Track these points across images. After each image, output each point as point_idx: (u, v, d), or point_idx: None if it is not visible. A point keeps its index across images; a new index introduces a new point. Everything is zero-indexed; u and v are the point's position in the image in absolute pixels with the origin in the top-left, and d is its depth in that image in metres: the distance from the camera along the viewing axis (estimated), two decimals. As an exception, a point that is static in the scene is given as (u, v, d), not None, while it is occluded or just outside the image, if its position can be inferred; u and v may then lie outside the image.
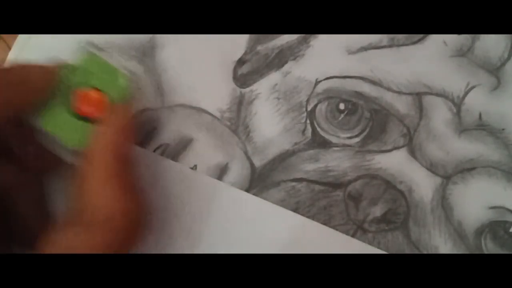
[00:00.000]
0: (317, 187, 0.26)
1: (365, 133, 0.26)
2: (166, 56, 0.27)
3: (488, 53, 0.26)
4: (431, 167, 0.26)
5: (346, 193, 0.26)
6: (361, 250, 0.26)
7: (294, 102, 0.27)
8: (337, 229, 0.26)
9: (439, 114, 0.26)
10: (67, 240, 0.20)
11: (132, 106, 0.22)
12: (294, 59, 0.27)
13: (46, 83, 0.21)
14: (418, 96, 0.27)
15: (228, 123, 0.27)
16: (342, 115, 0.26)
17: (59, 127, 0.21)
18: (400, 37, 0.27)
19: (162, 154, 0.26)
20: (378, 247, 0.26)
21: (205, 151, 0.27)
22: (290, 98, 0.27)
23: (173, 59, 0.27)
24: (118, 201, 0.21)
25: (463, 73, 0.26)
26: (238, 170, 0.27)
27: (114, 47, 0.27)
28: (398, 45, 0.27)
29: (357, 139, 0.26)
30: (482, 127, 0.26)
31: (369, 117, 0.26)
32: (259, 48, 0.27)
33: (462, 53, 0.27)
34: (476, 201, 0.26)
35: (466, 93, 0.26)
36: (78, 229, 0.20)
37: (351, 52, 0.27)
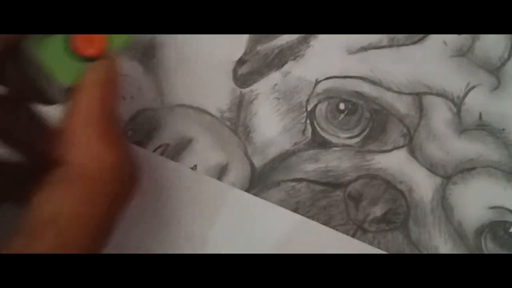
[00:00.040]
0: (317, 187, 0.26)
1: (365, 133, 0.26)
2: (166, 56, 0.27)
3: (488, 53, 0.26)
4: (431, 167, 0.26)
5: (346, 193, 0.26)
6: (361, 250, 0.26)
7: (294, 102, 0.27)
8: (337, 229, 0.26)
9: (439, 114, 0.26)
10: (57, 197, 0.19)
11: (121, 63, 0.21)
12: (294, 59, 0.27)
13: None
14: (418, 96, 0.27)
15: (228, 123, 0.27)
16: (342, 115, 0.26)
17: (54, 61, 0.21)
18: (400, 37, 0.27)
19: (162, 154, 0.26)
20: (378, 247, 0.26)
21: (205, 151, 0.27)
22: (290, 98, 0.27)
23: (173, 59, 0.27)
24: (107, 154, 0.20)
25: (463, 73, 0.26)
26: (238, 170, 0.27)
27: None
28: (398, 45, 0.27)
29: (357, 139, 0.26)
30: (482, 127, 0.26)
31: (369, 117, 0.26)
32: (259, 48, 0.27)
33: (462, 53, 0.27)
34: (476, 201, 0.26)
35: (466, 93, 0.26)
36: (66, 185, 0.20)
37: (351, 52, 0.27)
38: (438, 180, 0.26)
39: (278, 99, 0.27)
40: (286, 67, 0.27)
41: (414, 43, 0.27)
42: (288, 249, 0.26)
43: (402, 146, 0.26)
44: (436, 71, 0.26)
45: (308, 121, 0.27)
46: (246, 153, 0.27)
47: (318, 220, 0.26)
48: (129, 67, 0.27)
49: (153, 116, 0.27)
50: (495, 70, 0.26)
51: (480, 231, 0.26)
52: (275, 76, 0.27)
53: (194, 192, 0.26)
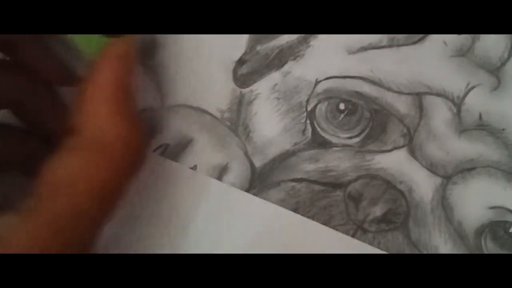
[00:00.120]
0: (317, 187, 0.26)
1: (365, 133, 0.26)
2: (166, 56, 0.27)
3: (488, 53, 0.26)
4: (431, 167, 0.26)
5: (346, 193, 0.26)
6: (361, 250, 0.26)
7: (294, 102, 0.27)
8: (337, 229, 0.26)
9: (439, 114, 0.26)
10: (69, 163, 0.20)
11: (136, 43, 0.23)
12: (294, 59, 0.27)
13: None
14: (418, 96, 0.27)
15: (228, 123, 0.27)
16: (342, 115, 0.26)
17: (82, 35, 0.22)
18: (400, 37, 0.27)
19: (162, 154, 0.26)
20: (378, 247, 0.26)
21: (205, 151, 0.27)
22: (290, 98, 0.27)
23: (173, 59, 0.27)
24: (120, 126, 0.21)
25: (463, 73, 0.26)
26: (238, 170, 0.27)
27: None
28: (398, 45, 0.27)
29: (357, 139, 0.27)
30: (482, 127, 0.26)
31: (369, 117, 0.26)
32: (259, 48, 0.27)
33: (462, 53, 0.27)
34: (476, 201, 0.26)
35: (466, 93, 0.26)
36: (79, 153, 0.20)
37: (351, 52, 0.27)
38: (438, 180, 0.26)
39: (278, 99, 0.27)
40: (286, 67, 0.27)
41: (414, 43, 0.27)
42: (288, 249, 0.26)
43: (402, 146, 0.26)
44: (436, 71, 0.26)
45: (308, 121, 0.27)
46: (246, 153, 0.27)
47: (318, 220, 0.26)
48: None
49: (153, 116, 0.27)
50: (495, 70, 0.26)
51: (480, 231, 0.26)
52: (275, 76, 0.27)
53: (194, 192, 0.26)
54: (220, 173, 0.27)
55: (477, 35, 0.27)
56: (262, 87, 0.27)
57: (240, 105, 0.27)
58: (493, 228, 0.26)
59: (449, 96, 0.26)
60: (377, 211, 0.26)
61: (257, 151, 0.27)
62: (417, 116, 0.26)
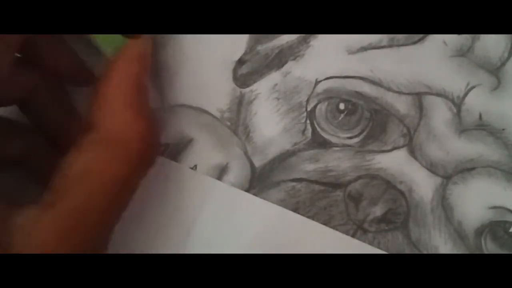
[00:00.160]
0: (317, 187, 0.26)
1: (365, 133, 0.26)
2: (166, 56, 0.27)
3: (488, 53, 0.26)
4: (431, 167, 0.26)
5: (346, 193, 0.26)
6: (361, 250, 0.26)
7: (294, 102, 0.27)
8: (337, 229, 0.26)
9: (439, 114, 0.26)
10: (86, 157, 0.21)
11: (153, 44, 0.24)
12: (294, 59, 0.27)
13: None
14: (418, 96, 0.27)
15: (228, 123, 0.27)
16: (342, 115, 0.26)
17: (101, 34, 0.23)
18: (400, 37, 0.27)
19: (162, 154, 0.26)
20: (378, 247, 0.26)
21: (205, 151, 0.27)
22: (290, 98, 0.27)
23: (173, 59, 0.27)
24: (136, 123, 0.21)
25: (463, 73, 0.26)
26: (238, 170, 0.27)
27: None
28: (398, 45, 0.27)
29: (357, 139, 0.27)
30: (482, 127, 0.26)
31: (369, 117, 0.26)
32: (259, 48, 0.27)
33: (462, 53, 0.27)
34: (476, 201, 0.26)
35: (466, 93, 0.26)
36: (95, 147, 0.21)
37: (351, 52, 0.27)
38: (438, 180, 0.26)
39: (278, 99, 0.27)
40: (286, 67, 0.27)
41: (414, 43, 0.27)
42: (288, 249, 0.26)
43: (402, 146, 0.26)
44: (436, 71, 0.26)
45: (308, 121, 0.27)
46: (246, 153, 0.27)
47: (318, 220, 0.26)
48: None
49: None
50: (495, 70, 0.26)
51: (480, 231, 0.26)
52: (275, 76, 0.27)
53: (194, 192, 0.26)
54: (220, 173, 0.27)
55: (477, 35, 0.27)
56: (262, 87, 0.27)
57: (240, 105, 0.27)
58: (493, 228, 0.26)
59: (449, 96, 0.26)
60: (377, 211, 0.26)
61: (257, 151, 0.27)
62: (417, 116, 0.26)
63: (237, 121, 0.27)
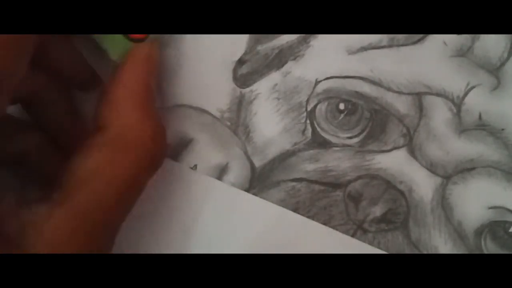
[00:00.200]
0: (317, 187, 0.26)
1: (365, 133, 0.27)
2: (166, 56, 0.27)
3: (488, 53, 0.26)
4: (431, 167, 0.26)
5: (346, 193, 0.26)
6: (361, 250, 0.26)
7: (294, 102, 0.27)
8: (337, 229, 0.26)
9: (439, 114, 0.26)
10: (94, 158, 0.21)
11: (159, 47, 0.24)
12: (294, 59, 0.27)
13: None
14: (418, 96, 0.27)
15: (228, 123, 0.27)
16: (342, 115, 0.26)
17: (108, 38, 0.24)
18: (400, 37, 0.27)
19: (162, 154, 0.26)
20: (378, 247, 0.26)
21: (205, 151, 0.27)
22: (290, 98, 0.27)
23: (173, 59, 0.27)
24: (145, 124, 0.22)
25: (463, 73, 0.26)
26: (238, 170, 0.27)
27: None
28: (398, 45, 0.27)
29: (357, 139, 0.27)
30: (482, 127, 0.26)
31: (369, 117, 0.26)
32: (259, 48, 0.27)
33: (462, 53, 0.27)
34: (476, 201, 0.26)
35: (466, 93, 0.26)
36: (104, 149, 0.21)
37: (351, 52, 0.27)
38: (438, 180, 0.26)
39: (278, 99, 0.27)
40: (286, 67, 0.27)
41: (414, 43, 0.27)
42: (288, 249, 0.26)
43: (402, 146, 0.26)
44: (436, 71, 0.27)
45: (308, 121, 0.27)
46: (246, 153, 0.27)
47: (318, 220, 0.26)
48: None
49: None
50: (495, 70, 0.26)
51: (480, 231, 0.26)
52: (275, 76, 0.27)
53: (194, 192, 0.26)
54: (220, 173, 0.27)
55: (477, 35, 0.27)
56: (262, 87, 0.27)
57: (240, 105, 0.27)
58: (493, 228, 0.26)
59: (449, 96, 0.26)
60: (377, 211, 0.26)
61: (257, 151, 0.27)
62: (417, 116, 0.26)
63: (237, 121, 0.27)
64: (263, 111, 0.27)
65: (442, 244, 0.26)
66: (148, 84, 0.23)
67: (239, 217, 0.26)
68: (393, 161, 0.26)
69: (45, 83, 0.24)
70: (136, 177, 0.21)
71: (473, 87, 0.26)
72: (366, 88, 0.27)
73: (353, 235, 0.26)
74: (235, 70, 0.27)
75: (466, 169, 0.26)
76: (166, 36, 0.27)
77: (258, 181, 0.26)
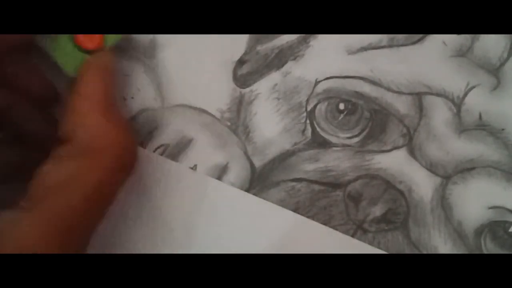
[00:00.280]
0: (317, 187, 0.26)
1: (365, 133, 0.27)
2: (166, 56, 0.27)
3: (488, 53, 0.26)
4: (431, 167, 0.26)
5: (346, 193, 0.26)
6: (361, 250, 0.26)
7: (294, 102, 0.27)
8: (337, 229, 0.26)
9: (439, 114, 0.26)
10: (62, 168, 0.21)
11: (115, 55, 0.24)
12: (294, 59, 0.27)
13: None
14: (418, 96, 0.27)
15: (228, 123, 0.27)
16: (342, 115, 0.27)
17: (62, 53, 0.24)
18: (400, 37, 0.27)
19: (162, 154, 0.26)
20: (378, 247, 0.26)
21: (205, 151, 0.27)
22: (290, 98, 0.27)
23: (173, 59, 0.27)
24: (110, 132, 0.22)
25: (463, 73, 0.26)
26: (238, 170, 0.27)
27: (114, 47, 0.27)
28: (398, 45, 0.27)
29: (357, 139, 0.27)
30: (482, 127, 0.26)
31: (369, 117, 0.26)
32: (259, 48, 0.27)
33: (462, 53, 0.27)
34: (476, 201, 0.26)
35: (466, 93, 0.26)
36: (71, 159, 0.21)
37: (351, 52, 0.27)
38: (438, 180, 0.26)
39: (278, 99, 0.27)
40: (286, 67, 0.27)
41: (414, 43, 0.27)
42: (288, 249, 0.26)
43: (402, 146, 0.26)
44: (436, 71, 0.27)
45: (308, 121, 0.27)
46: (246, 153, 0.27)
47: (318, 220, 0.26)
48: (129, 67, 0.27)
49: (153, 116, 0.27)
50: (495, 70, 0.26)
51: (479, 231, 0.26)
52: (275, 76, 0.27)
53: (194, 192, 0.26)
54: (220, 173, 0.27)
55: (476, 35, 0.27)
56: (262, 87, 0.27)
57: (240, 105, 0.27)
58: (492, 228, 0.26)
59: (449, 96, 0.26)
60: (377, 211, 0.26)
61: (257, 151, 0.27)
62: (417, 116, 0.27)
63: (237, 121, 0.27)
64: (263, 111, 0.27)
65: (442, 244, 0.26)
66: (108, 92, 0.23)
67: (239, 217, 0.26)
68: (393, 161, 0.26)
69: (12, 98, 0.24)
70: (105, 182, 0.21)
71: (473, 87, 0.26)
72: (366, 88, 0.27)
73: (353, 235, 0.26)
74: (235, 70, 0.27)
75: (466, 169, 0.26)
76: (166, 36, 0.27)
77: (258, 181, 0.26)
